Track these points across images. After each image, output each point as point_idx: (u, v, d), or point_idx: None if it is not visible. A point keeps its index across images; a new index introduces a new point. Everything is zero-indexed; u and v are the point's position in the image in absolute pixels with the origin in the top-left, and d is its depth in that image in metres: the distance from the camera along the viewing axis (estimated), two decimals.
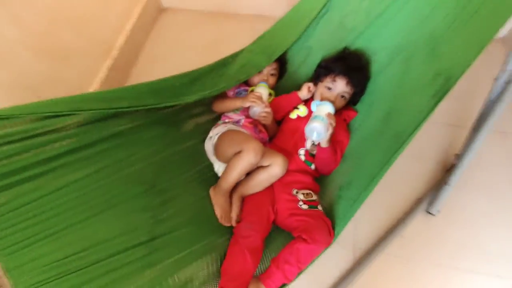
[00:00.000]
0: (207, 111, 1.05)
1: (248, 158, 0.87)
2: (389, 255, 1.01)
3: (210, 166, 1.00)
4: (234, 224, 0.91)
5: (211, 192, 0.95)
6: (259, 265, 0.86)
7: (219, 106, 1.03)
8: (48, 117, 0.63)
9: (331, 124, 0.90)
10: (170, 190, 0.88)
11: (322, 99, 0.99)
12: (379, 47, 1.01)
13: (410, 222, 1.06)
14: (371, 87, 1.02)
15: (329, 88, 1.00)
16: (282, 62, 1.09)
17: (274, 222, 0.93)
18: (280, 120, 1.07)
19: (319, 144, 0.95)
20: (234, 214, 0.92)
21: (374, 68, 1.01)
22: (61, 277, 0.64)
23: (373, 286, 0.98)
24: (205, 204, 0.93)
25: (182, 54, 1.56)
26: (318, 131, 0.89)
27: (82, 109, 0.66)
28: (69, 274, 0.65)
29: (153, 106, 0.78)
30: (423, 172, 1.16)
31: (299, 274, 0.83)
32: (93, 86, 1.29)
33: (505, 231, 1.04)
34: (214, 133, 0.98)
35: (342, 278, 0.98)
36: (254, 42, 1.05)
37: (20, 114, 0.60)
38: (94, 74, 1.31)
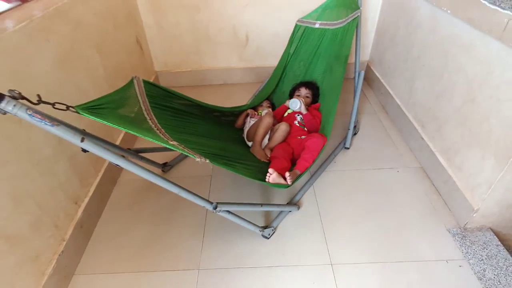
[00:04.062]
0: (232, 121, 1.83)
1: (266, 120, 1.59)
2: (328, 171, 1.71)
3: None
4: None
5: (251, 150, 1.58)
6: None
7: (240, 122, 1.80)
8: (182, 98, 1.46)
9: (300, 98, 1.70)
10: (230, 149, 1.51)
11: None
12: (316, 74, 1.93)
13: (338, 153, 1.82)
14: (321, 90, 1.87)
15: (298, 95, 1.84)
16: (269, 100, 1.98)
17: (293, 154, 1.53)
18: (280, 121, 1.81)
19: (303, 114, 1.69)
20: (268, 154, 1.53)
21: (318, 82, 1.90)
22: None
23: (322, 188, 1.60)
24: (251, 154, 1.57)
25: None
26: (295, 102, 1.67)
27: (191, 100, 1.51)
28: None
29: (208, 107, 1.62)
30: (339, 133, 1.93)
31: (314, 160, 1.40)
32: None
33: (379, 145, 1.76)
34: (245, 128, 1.73)
35: (305, 184, 1.61)
36: (255, 95, 1.99)
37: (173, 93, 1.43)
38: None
